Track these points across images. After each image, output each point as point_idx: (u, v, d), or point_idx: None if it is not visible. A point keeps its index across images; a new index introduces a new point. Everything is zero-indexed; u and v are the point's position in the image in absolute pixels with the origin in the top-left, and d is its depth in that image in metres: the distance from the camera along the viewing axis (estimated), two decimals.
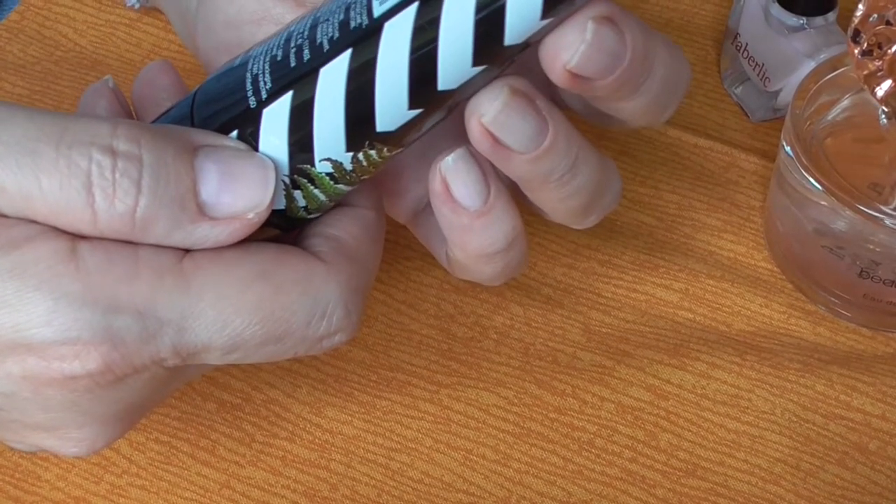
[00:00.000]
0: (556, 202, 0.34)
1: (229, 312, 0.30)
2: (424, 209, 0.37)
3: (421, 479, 0.40)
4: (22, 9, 0.54)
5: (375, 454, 0.41)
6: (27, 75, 0.51)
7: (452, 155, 0.33)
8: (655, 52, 0.32)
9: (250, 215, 0.31)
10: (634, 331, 0.44)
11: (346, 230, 0.33)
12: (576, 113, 0.37)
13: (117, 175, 0.29)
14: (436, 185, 0.33)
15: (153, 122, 0.35)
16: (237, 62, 0.33)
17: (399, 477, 0.40)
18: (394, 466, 0.40)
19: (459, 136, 0.33)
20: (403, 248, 0.45)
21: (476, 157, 0.33)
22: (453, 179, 0.33)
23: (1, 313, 0.29)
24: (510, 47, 0.30)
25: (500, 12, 0.29)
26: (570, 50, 0.30)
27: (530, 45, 0.31)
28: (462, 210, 0.33)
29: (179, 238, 0.30)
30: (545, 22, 0.30)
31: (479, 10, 0.29)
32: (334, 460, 0.40)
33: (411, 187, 0.37)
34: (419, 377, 0.42)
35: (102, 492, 0.39)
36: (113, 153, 0.29)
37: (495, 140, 0.32)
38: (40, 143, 0.29)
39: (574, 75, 0.31)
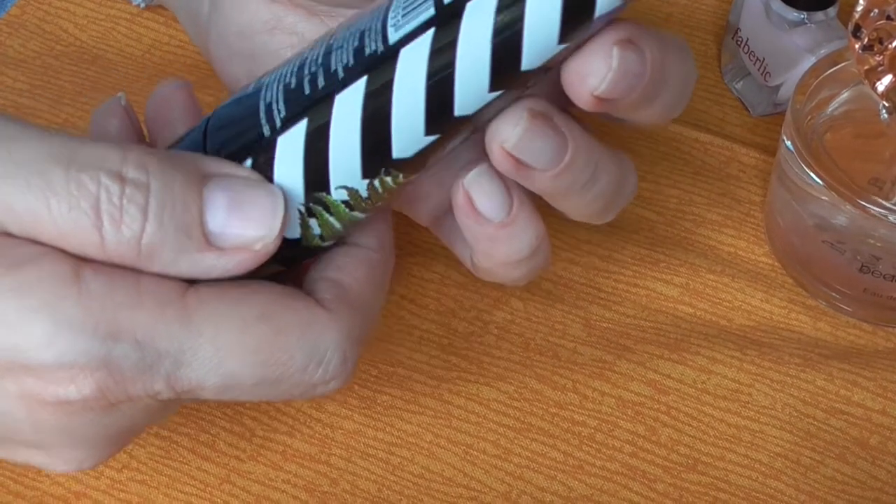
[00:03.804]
0: (578, 207, 0.35)
1: (226, 351, 0.30)
2: (447, 213, 0.37)
3: (421, 473, 0.40)
4: (22, 3, 0.54)
5: (376, 449, 0.41)
6: (27, 70, 0.51)
7: (475, 170, 0.33)
8: (671, 62, 0.33)
9: (258, 246, 0.31)
10: (635, 326, 0.44)
11: (351, 275, 0.33)
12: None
13: (125, 201, 0.29)
14: (459, 199, 0.34)
15: (168, 148, 0.35)
16: (250, 90, 0.33)
17: (399, 472, 0.40)
18: (394, 461, 0.40)
19: (481, 146, 0.33)
20: (405, 244, 0.45)
21: (498, 171, 0.33)
22: (477, 193, 0.33)
23: (1, 332, 0.29)
24: (527, 72, 0.30)
25: (517, 38, 0.29)
26: (598, 77, 0.31)
27: (549, 70, 0.31)
28: (486, 222, 0.34)
29: (186, 267, 0.30)
30: (562, 47, 0.30)
31: (495, 35, 0.29)
32: (334, 455, 0.40)
33: (433, 192, 0.37)
34: (420, 372, 0.42)
35: (103, 487, 0.39)
36: (122, 179, 0.29)
37: (517, 161, 0.32)
38: (50, 165, 0.29)
39: (600, 100, 0.31)
